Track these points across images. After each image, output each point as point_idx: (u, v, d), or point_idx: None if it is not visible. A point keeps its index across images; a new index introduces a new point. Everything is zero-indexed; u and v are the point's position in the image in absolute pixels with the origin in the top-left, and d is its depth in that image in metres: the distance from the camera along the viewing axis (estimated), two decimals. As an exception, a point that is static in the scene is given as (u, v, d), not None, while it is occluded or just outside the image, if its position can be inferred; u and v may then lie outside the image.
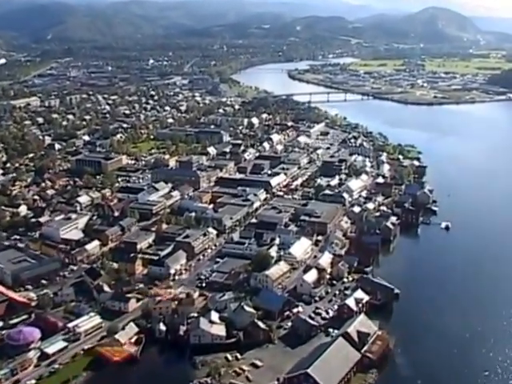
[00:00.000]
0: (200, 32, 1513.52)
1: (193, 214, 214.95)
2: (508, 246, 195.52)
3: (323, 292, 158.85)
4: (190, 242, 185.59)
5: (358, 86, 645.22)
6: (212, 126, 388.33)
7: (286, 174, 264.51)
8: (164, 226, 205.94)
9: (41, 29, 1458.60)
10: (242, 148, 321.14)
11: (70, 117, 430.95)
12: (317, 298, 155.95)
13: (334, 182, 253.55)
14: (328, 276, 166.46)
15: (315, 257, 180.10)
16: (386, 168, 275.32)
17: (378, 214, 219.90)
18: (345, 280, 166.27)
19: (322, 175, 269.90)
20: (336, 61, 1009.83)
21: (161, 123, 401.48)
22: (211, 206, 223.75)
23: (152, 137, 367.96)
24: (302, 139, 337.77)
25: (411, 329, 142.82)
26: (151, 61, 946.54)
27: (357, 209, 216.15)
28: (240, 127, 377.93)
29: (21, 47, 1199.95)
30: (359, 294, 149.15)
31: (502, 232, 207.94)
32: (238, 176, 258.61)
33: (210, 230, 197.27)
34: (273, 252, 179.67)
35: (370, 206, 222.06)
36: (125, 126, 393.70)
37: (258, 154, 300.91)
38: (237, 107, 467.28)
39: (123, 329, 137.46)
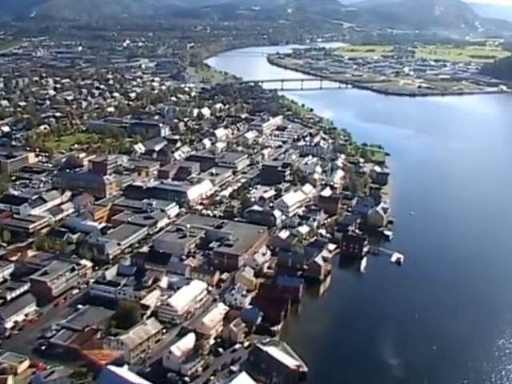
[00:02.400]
0: (188, 13, 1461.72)
1: (75, 237, 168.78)
2: (479, 292, 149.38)
3: (199, 368, 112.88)
4: (45, 282, 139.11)
5: (338, 73, 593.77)
6: (156, 117, 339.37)
7: (213, 181, 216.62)
8: (31, 253, 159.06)
9: (25, 6, 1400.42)
10: (178, 145, 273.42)
11: (4, 102, 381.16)
12: (187, 379, 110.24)
13: (269, 193, 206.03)
14: (214, 341, 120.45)
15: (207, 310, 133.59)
16: (338, 175, 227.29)
17: (314, 239, 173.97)
18: (237, 347, 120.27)
19: (260, 183, 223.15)
20: (324, 45, 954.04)
21: (99, 112, 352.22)
22: (103, 225, 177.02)
23: (84, 128, 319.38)
24: (251, 135, 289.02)
25: None
26: (127, 41, 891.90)
27: (284, 234, 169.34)
28: (186, 119, 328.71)
29: (0, 25, 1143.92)
30: (242, 379, 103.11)
31: (474, 271, 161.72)
32: (153, 183, 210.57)
33: (84, 261, 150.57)
34: (151, 300, 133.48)
35: (303, 229, 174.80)
36: (58, 114, 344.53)
37: (189, 154, 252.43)
38: (193, 94, 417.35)
39: None
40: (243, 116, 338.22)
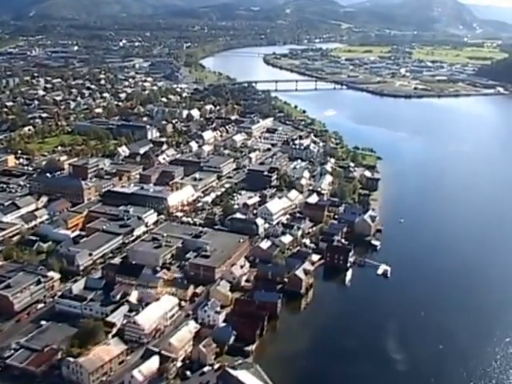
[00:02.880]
0: (186, 12, 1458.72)
1: (46, 246, 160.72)
2: (471, 311, 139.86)
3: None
4: (7, 296, 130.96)
5: (333, 74, 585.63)
6: (145, 118, 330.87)
7: (196, 186, 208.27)
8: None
9: (25, 5, 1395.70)
10: (164, 148, 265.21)
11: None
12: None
13: (253, 200, 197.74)
14: (181, 363, 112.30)
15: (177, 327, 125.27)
16: (326, 181, 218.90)
17: (297, 249, 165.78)
18: (206, 369, 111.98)
19: (245, 188, 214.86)
20: (322, 46, 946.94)
21: (86, 113, 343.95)
22: (76, 233, 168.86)
23: (70, 130, 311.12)
24: (239, 138, 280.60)
25: None
26: (124, 41, 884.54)
27: (265, 244, 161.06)
28: (175, 121, 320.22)
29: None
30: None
31: (466, 285, 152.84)
32: (132, 188, 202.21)
33: (51, 273, 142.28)
34: (118, 317, 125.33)
35: (286, 239, 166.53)
36: (45, 115, 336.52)
37: (174, 158, 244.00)
38: (185, 95, 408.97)
39: None
40: (233, 118, 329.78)
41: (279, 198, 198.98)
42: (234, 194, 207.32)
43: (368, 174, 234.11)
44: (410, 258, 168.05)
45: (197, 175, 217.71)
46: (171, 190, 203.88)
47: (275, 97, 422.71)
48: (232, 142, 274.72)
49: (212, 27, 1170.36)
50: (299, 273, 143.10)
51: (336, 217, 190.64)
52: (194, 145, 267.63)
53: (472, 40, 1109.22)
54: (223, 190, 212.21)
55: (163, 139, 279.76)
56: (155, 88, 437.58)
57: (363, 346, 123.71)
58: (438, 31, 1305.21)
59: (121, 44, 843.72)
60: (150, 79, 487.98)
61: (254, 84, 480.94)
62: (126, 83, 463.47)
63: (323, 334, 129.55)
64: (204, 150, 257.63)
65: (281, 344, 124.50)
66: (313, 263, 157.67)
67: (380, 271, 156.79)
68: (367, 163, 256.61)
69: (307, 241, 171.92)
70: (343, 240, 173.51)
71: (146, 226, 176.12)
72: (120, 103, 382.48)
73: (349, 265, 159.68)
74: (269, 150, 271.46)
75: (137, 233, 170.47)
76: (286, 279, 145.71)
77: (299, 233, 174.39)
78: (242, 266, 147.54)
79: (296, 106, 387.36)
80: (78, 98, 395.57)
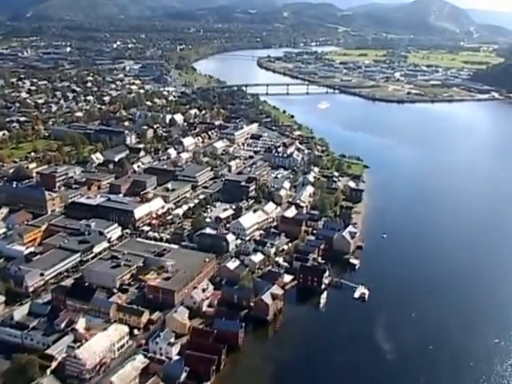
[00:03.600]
0: (184, 14, 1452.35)
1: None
2: (455, 341, 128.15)
3: None
4: None
5: (326, 78, 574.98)
6: (126, 123, 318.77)
7: (167, 197, 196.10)
8: None
9: (23, 6, 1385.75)
10: (141, 154, 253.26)
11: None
12: None
13: (227, 213, 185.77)
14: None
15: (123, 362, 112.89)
16: (306, 192, 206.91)
17: (268, 269, 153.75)
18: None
19: (221, 200, 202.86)
20: (318, 49, 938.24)
21: (66, 117, 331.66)
22: (31, 249, 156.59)
23: (47, 134, 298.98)
24: (220, 145, 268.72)
25: None
26: (118, 43, 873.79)
27: (233, 264, 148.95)
28: (156, 126, 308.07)
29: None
30: None
31: (451, 310, 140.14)
32: (98, 199, 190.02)
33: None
34: (58, 348, 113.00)
35: (257, 258, 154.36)
36: (23, 119, 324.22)
37: (147, 166, 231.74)
38: (171, 99, 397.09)
39: None
40: (217, 123, 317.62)
41: (255, 211, 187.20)
42: (208, 206, 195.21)
43: (352, 184, 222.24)
44: (390, 278, 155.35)
45: (169, 185, 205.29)
46: (141, 202, 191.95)
47: (264, 101, 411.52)
48: (213, 149, 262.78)
49: (208, 29, 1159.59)
50: (266, 298, 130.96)
51: (315, 232, 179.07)
52: (172, 152, 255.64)
53: (468, 44, 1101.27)
54: (197, 201, 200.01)
55: (141, 145, 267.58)
56: (142, 91, 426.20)
57: (334, 380, 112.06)
58: (434, 35, 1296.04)
59: (114, 46, 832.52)
60: (137, 82, 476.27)
61: (244, 88, 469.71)
62: (113, 86, 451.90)
63: (290, 369, 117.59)
64: (182, 158, 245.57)
65: (240, 381, 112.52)
66: (284, 285, 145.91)
67: (357, 294, 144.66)
68: (353, 172, 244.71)
69: (280, 259, 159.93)
70: (320, 258, 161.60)
71: (109, 241, 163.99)
72: (104, 107, 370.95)
73: (323, 287, 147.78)
74: (251, 157, 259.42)
75: (97, 249, 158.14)
76: (252, 304, 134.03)
77: (272, 250, 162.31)
78: (204, 289, 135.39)
79: (284, 111, 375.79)
80: (61, 101, 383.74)
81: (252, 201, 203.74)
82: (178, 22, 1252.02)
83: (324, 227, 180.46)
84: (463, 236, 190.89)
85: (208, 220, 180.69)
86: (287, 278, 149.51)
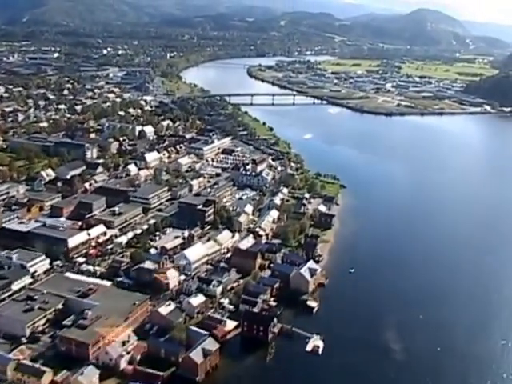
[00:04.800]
0: (181, 22, 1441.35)
1: None
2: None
3: None
4: None
5: (315, 88, 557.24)
6: (93, 135, 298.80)
7: (110, 222, 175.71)
8: None
9: (20, 11, 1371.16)
10: (99, 171, 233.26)
11: None
12: None
13: (175, 242, 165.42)
14: None
15: None
16: (269, 218, 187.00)
17: (209, 314, 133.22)
18: None
19: (173, 225, 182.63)
20: (313, 58, 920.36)
21: (29, 128, 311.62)
22: None
23: (5, 146, 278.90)
24: (186, 161, 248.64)
25: None
26: (108, 49, 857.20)
27: (166, 308, 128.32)
28: (123, 138, 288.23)
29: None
30: None
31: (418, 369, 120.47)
32: (31, 225, 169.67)
33: None
34: None
35: (196, 300, 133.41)
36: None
37: (99, 185, 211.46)
38: (147, 109, 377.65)
39: None
40: (188, 136, 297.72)
41: (208, 239, 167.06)
42: (158, 233, 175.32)
43: (323, 208, 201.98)
44: (352, 326, 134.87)
45: (116, 208, 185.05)
46: (81, 227, 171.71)
47: (245, 112, 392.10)
48: (177, 166, 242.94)
49: (202, 37, 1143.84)
50: (195, 355, 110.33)
51: (272, 266, 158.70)
52: (132, 168, 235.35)
53: (464, 56, 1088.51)
54: (146, 227, 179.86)
55: (100, 161, 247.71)
56: (118, 100, 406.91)
57: None
58: (430, 46, 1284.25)
59: (104, 52, 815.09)
60: (117, 90, 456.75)
61: (227, 97, 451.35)
62: (90, 94, 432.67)
63: None
64: (141, 175, 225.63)
65: None
66: (225, 334, 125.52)
67: (309, 347, 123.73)
68: (327, 193, 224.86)
69: (226, 301, 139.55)
70: (272, 300, 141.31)
71: (33, 276, 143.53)
72: (74, 116, 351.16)
73: (272, 336, 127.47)
74: (218, 175, 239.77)
75: (16, 287, 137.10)
76: (180, 360, 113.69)
77: (219, 289, 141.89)
78: (124, 342, 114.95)
79: (265, 123, 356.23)
80: (31, 110, 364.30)
81: (209, 227, 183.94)
82: (174, 29, 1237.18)
83: (283, 261, 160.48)
84: (443, 271, 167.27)
85: (152, 251, 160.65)
86: (230, 324, 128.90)
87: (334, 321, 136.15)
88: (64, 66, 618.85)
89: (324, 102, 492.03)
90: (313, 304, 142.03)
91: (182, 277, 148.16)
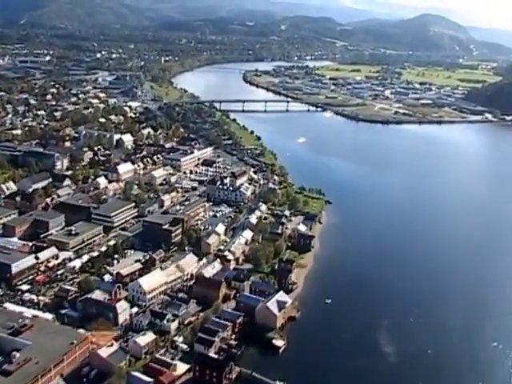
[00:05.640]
0: (181, 25, 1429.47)
1: None
2: None
3: None
4: None
5: (311, 94, 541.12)
6: (68, 144, 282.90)
7: (64, 244, 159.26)
8: None
9: (17, 13, 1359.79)
10: (66, 183, 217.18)
11: None
12: None
13: (131, 268, 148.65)
14: None
15: None
16: (242, 239, 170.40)
17: (156, 356, 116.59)
18: None
19: (136, 247, 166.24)
20: (312, 63, 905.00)
21: (3, 135, 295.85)
22: None
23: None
24: (160, 173, 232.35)
25: None
26: (103, 52, 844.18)
27: (108, 350, 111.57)
28: (98, 147, 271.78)
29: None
30: None
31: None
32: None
33: None
34: None
35: (143, 339, 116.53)
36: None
37: (60, 200, 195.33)
38: (130, 115, 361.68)
39: None
40: (168, 145, 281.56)
41: (161, 268, 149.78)
42: (116, 256, 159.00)
43: (302, 228, 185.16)
44: (322, 368, 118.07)
45: (73, 227, 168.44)
46: (30, 249, 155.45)
47: (234, 119, 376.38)
48: (150, 179, 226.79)
49: (200, 41, 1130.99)
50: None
51: (238, 297, 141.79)
52: (102, 181, 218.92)
53: (467, 62, 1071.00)
54: (105, 249, 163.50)
55: (68, 172, 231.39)
56: (101, 106, 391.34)
57: None
58: (433, 52, 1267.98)
59: (98, 55, 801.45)
60: (102, 95, 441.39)
61: (218, 104, 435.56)
62: (73, 99, 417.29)
63: None
64: (109, 189, 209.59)
65: None
66: (174, 380, 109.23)
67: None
68: (309, 210, 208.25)
69: (180, 339, 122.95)
70: (233, 338, 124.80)
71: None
72: (53, 123, 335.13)
73: (227, 382, 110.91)
74: (194, 189, 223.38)
75: None
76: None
77: (174, 325, 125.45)
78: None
79: (253, 132, 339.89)
80: (8, 116, 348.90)
81: (175, 248, 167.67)
82: (172, 33, 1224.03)
83: (251, 290, 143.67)
84: (440, 308, 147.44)
85: (107, 277, 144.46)
86: (181, 368, 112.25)
87: (302, 363, 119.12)
88: (53, 70, 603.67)
89: (319, 109, 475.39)
90: (279, 343, 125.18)
91: (135, 309, 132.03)
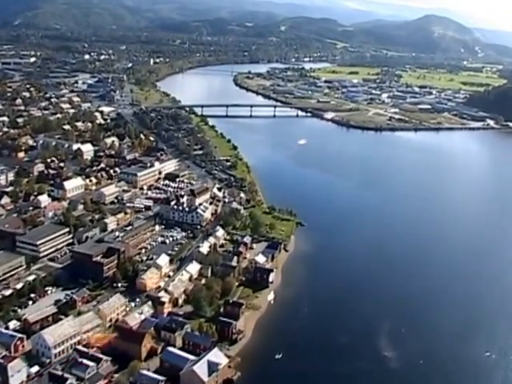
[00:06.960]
0: (179, 26, 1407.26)
1: None
2: None
3: None
4: None
5: (302, 98, 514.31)
6: (21, 154, 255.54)
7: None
8: None
9: (12, 14, 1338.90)
10: (3, 202, 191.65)
11: None
12: None
13: (42, 313, 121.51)
14: None
15: None
16: (185, 274, 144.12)
17: None
18: None
19: (60, 283, 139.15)
20: (310, 65, 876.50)
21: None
22: None
23: None
24: (111, 190, 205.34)
25: None
26: (92, 53, 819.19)
27: None
28: (51, 159, 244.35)
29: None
30: None
31: None
32: None
33: None
34: None
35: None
36: None
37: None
38: (100, 122, 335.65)
39: None
40: (130, 157, 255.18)
41: (95, 308, 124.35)
42: (33, 296, 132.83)
43: (261, 259, 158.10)
44: None
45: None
46: None
47: (212, 126, 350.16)
48: (99, 197, 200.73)
49: (194, 42, 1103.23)
50: None
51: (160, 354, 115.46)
52: (43, 199, 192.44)
53: (471, 64, 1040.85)
54: (21, 285, 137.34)
55: (9, 189, 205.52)
56: (72, 111, 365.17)
57: None
58: (437, 54, 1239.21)
59: (86, 57, 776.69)
60: (77, 99, 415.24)
61: (199, 109, 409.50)
62: (44, 104, 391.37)
63: None
64: (47, 210, 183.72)
65: None
66: None
67: None
68: (276, 235, 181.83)
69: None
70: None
71: None
72: (14, 130, 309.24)
73: None
74: (148, 208, 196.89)
75: None
76: None
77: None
78: None
79: (229, 140, 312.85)
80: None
81: (107, 285, 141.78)
82: (167, 34, 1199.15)
83: (184, 344, 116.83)
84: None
85: (12, 324, 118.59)
86: None
87: None
88: (33, 72, 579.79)
89: (308, 114, 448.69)
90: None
91: (35, 368, 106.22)
